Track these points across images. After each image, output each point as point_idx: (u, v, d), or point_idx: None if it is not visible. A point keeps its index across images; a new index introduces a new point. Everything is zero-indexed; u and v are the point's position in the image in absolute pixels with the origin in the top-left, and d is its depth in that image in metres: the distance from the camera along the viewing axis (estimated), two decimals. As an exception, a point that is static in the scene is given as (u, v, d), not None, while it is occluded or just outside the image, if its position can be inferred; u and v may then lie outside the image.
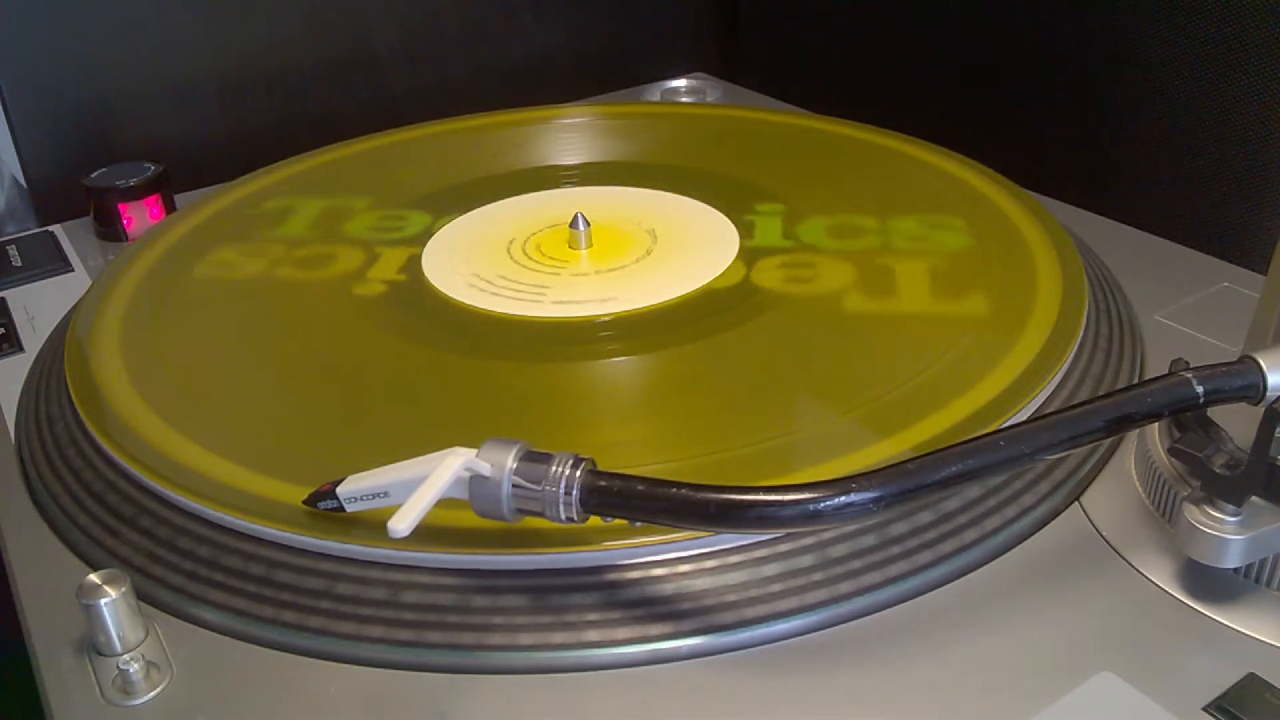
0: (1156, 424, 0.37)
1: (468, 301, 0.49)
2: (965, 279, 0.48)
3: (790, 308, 0.47)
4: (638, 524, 0.31)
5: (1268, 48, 0.57)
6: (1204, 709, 0.29)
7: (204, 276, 0.53)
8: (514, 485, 0.31)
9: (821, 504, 0.29)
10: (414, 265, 0.52)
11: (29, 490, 0.42)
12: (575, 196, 0.60)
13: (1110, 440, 0.40)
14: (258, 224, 0.58)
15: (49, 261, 0.60)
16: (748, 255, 0.51)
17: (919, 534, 0.35)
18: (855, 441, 0.37)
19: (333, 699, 0.32)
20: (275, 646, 0.33)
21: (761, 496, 0.29)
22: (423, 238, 0.55)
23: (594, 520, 0.31)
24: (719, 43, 0.96)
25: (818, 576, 0.34)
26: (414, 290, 0.50)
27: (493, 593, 0.33)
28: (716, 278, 0.49)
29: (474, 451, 0.32)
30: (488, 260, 0.52)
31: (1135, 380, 0.44)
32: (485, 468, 0.31)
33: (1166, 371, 0.33)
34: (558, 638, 0.32)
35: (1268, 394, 0.32)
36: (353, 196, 0.61)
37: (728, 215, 0.55)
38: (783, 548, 0.34)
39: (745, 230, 0.54)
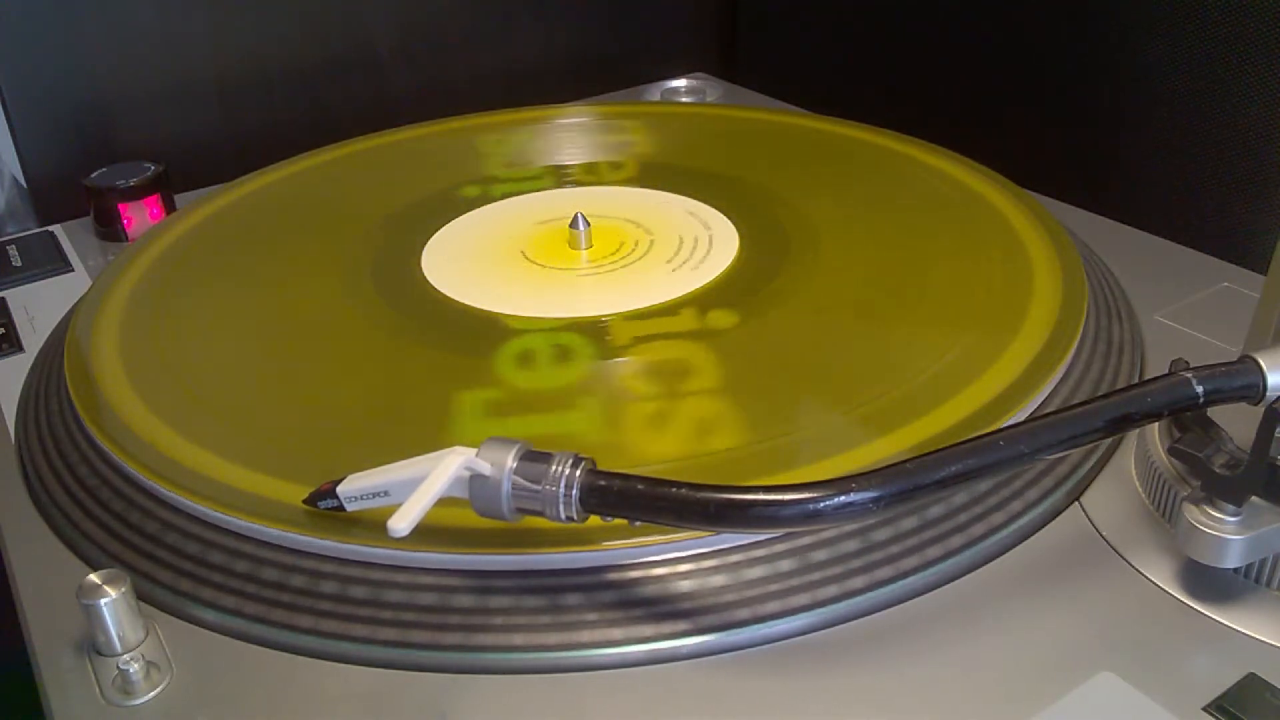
0: (1156, 424, 0.37)
1: (468, 301, 0.49)
2: (959, 270, 0.48)
3: (790, 306, 0.47)
4: (637, 523, 0.31)
5: (1268, 48, 0.57)
6: (1204, 709, 0.29)
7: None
8: (514, 484, 0.31)
9: (821, 504, 0.29)
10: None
11: (29, 490, 0.42)
12: (575, 196, 0.60)
13: (1110, 440, 0.40)
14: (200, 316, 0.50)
15: (49, 261, 0.60)
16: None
17: (919, 534, 0.35)
18: (855, 441, 0.37)
19: (333, 699, 0.32)
20: (275, 646, 0.33)
21: (761, 496, 0.29)
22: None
23: (594, 520, 0.31)
24: (719, 43, 0.96)
25: (817, 577, 0.34)
26: (415, 289, 0.50)
27: (493, 593, 0.33)
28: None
29: (474, 451, 0.32)
30: (488, 260, 0.52)
31: (1135, 380, 0.44)
32: (485, 467, 0.31)
33: (1166, 371, 0.33)
34: (557, 638, 0.32)
35: (1268, 394, 0.32)
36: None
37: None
38: (783, 548, 0.34)
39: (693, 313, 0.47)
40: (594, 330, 0.46)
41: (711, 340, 0.45)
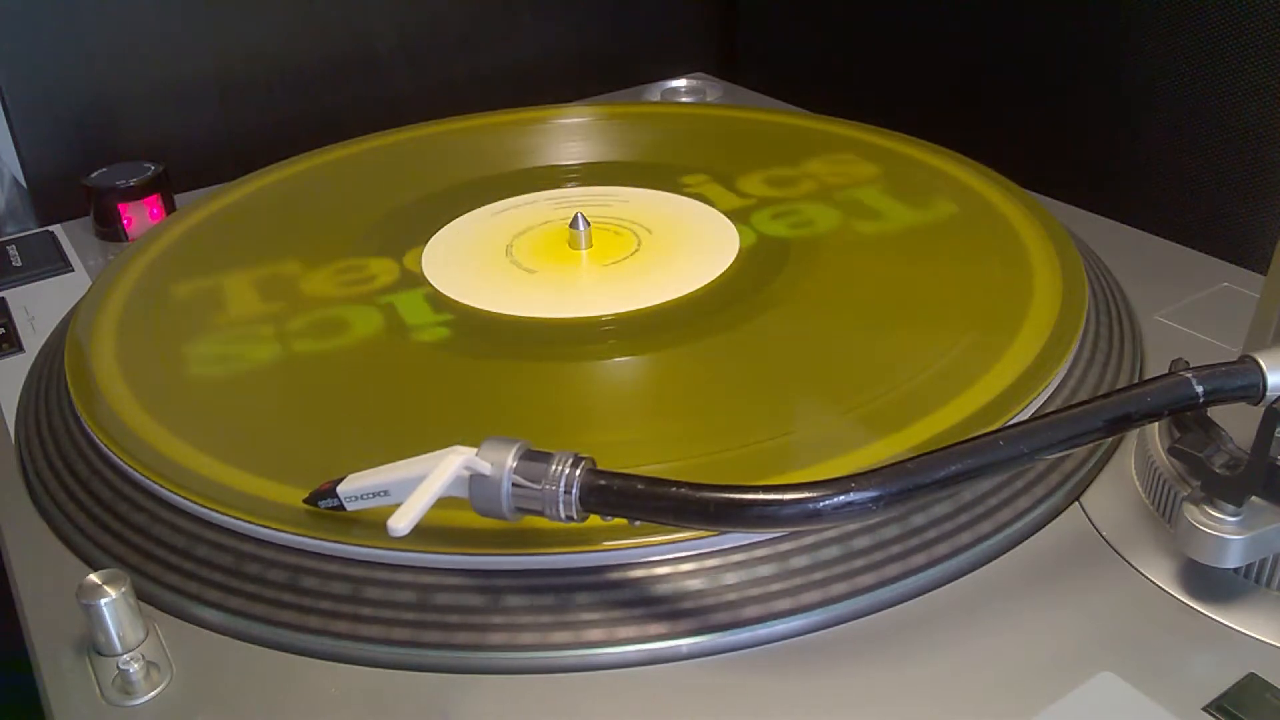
0: (1156, 424, 0.37)
1: (467, 301, 0.49)
2: (959, 270, 0.48)
3: (790, 306, 0.47)
4: (637, 523, 0.31)
5: (1268, 47, 0.57)
6: (1204, 709, 0.29)
7: (205, 374, 0.44)
8: (514, 484, 0.31)
9: (821, 503, 0.29)
10: (439, 298, 0.48)
11: (29, 490, 0.42)
12: (575, 196, 0.60)
13: (1110, 440, 0.40)
14: (199, 313, 0.49)
15: (49, 261, 0.60)
16: (736, 217, 0.55)
17: (919, 534, 0.35)
18: (855, 441, 0.37)
19: (333, 699, 0.32)
20: (275, 646, 0.33)
21: (761, 496, 0.29)
22: (408, 281, 0.50)
23: (594, 519, 0.31)
24: (719, 43, 0.96)
25: (818, 576, 0.34)
26: (414, 289, 0.50)
27: (493, 592, 0.33)
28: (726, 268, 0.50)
29: (474, 450, 0.32)
30: (488, 260, 0.52)
31: (1135, 380, 0.44)
32: (485, 466, 0.31)
33: (1166, 371, 0.33)
34: (558, 637, 0.32)
35: (1268, 394, 0.32)
36: (276, 262, 0.53)
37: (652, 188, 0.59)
38: (784, 547, 0.34)
39: (701, 200, 0.57)
40: (593, 330, 0.46)
41: (712, 340, 0.45)
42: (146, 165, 0.64)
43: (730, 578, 0.33)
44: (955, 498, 0.36)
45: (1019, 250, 0.50)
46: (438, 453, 0.32)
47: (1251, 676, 0.30)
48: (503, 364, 0.44)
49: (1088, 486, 0.39)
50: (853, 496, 0.29)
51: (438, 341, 0.45)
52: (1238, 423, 0.34)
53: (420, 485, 0.31)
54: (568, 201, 0.58)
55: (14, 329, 0.54)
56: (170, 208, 0.64)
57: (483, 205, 0.59)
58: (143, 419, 0.41)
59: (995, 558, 0.36)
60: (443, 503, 0.31)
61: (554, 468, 0.31)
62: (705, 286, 0.49)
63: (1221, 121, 0.60)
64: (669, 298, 0.48)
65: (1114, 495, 0.38)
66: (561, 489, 0.31)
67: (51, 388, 0.46)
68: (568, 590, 0.33)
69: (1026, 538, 0.36)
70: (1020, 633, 0.32)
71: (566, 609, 0.33)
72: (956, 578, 0.35)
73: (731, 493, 0.29)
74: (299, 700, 0.32)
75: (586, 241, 0.53)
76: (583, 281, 0.50)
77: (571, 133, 0.69)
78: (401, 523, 0.29)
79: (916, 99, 0.79)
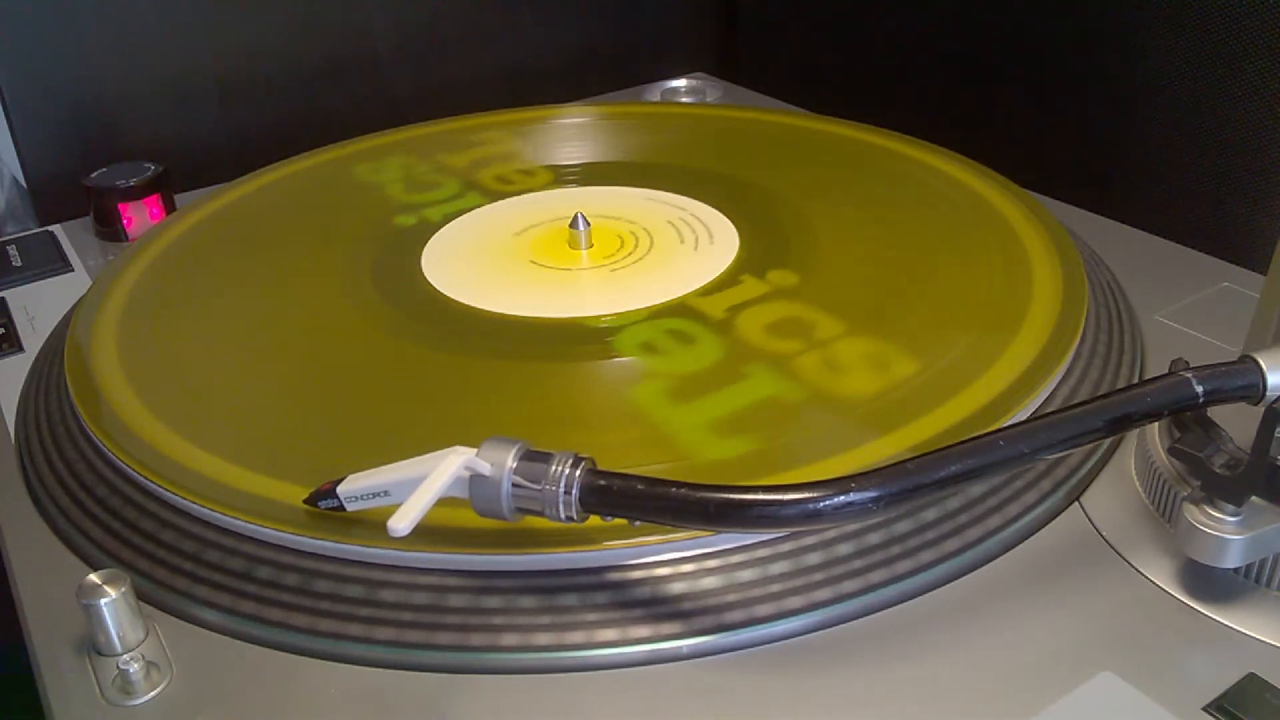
0: (1156, 424, 0.37)
1: (468, 301, 0.49)
2: (959, 270, 0.48)
3: (789, 305, 0.47)
4: (637, 523, 0.31)
5: (1268, 47, 0.57)
6: (1204, 709, 0.29)
7: (364, 179, 0.63)
8: (514, 484, 0.31)
9: (821, 503, 0.29)
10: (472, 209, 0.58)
11: (29, 490, 0.42)
12: (575, 196, 0.60)
13: (1110, 440, 0.40)
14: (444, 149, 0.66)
15: (49, 261, 0.60)
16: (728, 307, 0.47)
17: (919, 534, 0.35)
18: (855, 441, 0.37)
19: (333, 699, 0.32)
20: (275, 646, 0.33)
21: (761, 496, 0.29)
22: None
23: (594, 520, 0.31)
24: (719, 43, 0.96)
25: (819, 576, 0.34)
26: (414, 289, 0.50)
27: (492, 593, 0.33)
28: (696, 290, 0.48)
29: (474, 451, 0.32)
30: (488, 260, 0.52)
31: (1135, 380, 0.44)
32: (485, 467, 0.31)
33: (1166, 371, 0.33)
34: (557, 638, 0.32)
35: (1268, 394, 0.32)
36: (494, 145, 0.67)
37: (747, 268, 0.50)
38: (784, 547, 0.34)
39: (728, 278, 0.49)
40: (592, 331, 0.46)
41: (710, 340, 0.45)
42: (146, 165, 0.64)
43: (731, 577, 0.33)
44: (956, 497, 0.36)
45: (1019, 250, 0.50)
46: (438, 453, 0.32)
47: (1251, 676, 0.30)
48: (502, 364, 0.44)
49: (1088, 486, 0.39)
50: (853, 496, 0.29)
51: (404, 225, 0.56)
52: (1238, 423, 0.34)
53: (420, 486, 0.31)
54: (568, 201, 0.58)
55: (14, 329, 0.54)
56: (170, 208, 0.64)
57: (483, 205, 0.59)
58: (143, 419, 0.41)
59: (995, 558, 0.36)
60: (443, 503, 0.31)
61: (554, 468, 0.31)
62: (704, 286, 0.49)
63: (1221, 122, 0.60)
64: (669, 297, 0.48)
65: (1114, 495, 0.38)
66: (561, 489, 0.31)
67: (51, 388, 0.46)
68: (567, 590, 0.33)
69: (1027, 538, 0.36)
70: (1020, 633, 0.32)
71: (566, 609, 0.33)
72: (957, 577, 0.35)
73: (731, 493, 0.29)
74: (299, 700, 0.32)
75: (586, 241, 0.53)
76: (583, 281, 0.50)
77: (571, 133, 0.69)
78: (402, 523, 0.29)
79: (916, 99, 0.79)
